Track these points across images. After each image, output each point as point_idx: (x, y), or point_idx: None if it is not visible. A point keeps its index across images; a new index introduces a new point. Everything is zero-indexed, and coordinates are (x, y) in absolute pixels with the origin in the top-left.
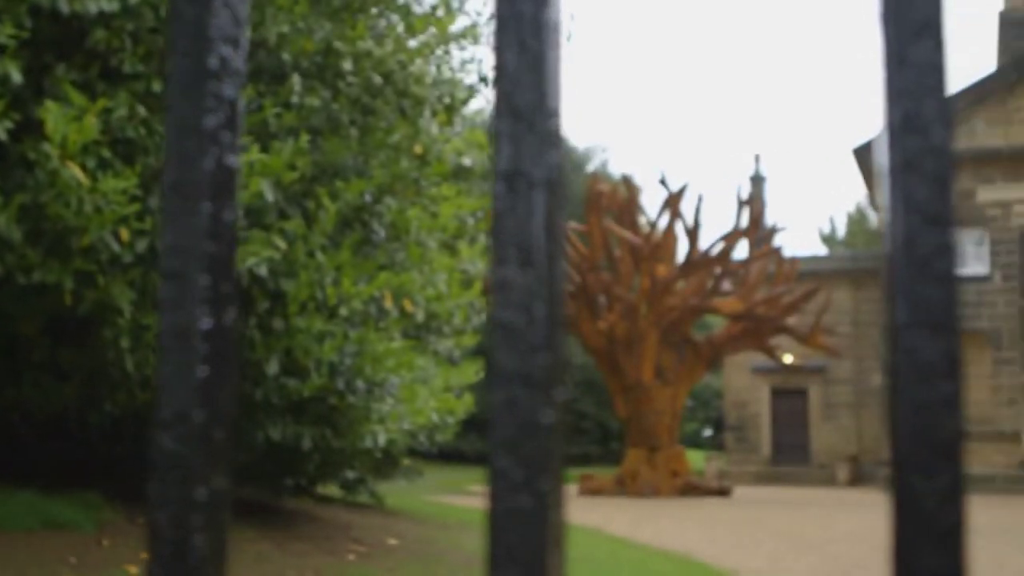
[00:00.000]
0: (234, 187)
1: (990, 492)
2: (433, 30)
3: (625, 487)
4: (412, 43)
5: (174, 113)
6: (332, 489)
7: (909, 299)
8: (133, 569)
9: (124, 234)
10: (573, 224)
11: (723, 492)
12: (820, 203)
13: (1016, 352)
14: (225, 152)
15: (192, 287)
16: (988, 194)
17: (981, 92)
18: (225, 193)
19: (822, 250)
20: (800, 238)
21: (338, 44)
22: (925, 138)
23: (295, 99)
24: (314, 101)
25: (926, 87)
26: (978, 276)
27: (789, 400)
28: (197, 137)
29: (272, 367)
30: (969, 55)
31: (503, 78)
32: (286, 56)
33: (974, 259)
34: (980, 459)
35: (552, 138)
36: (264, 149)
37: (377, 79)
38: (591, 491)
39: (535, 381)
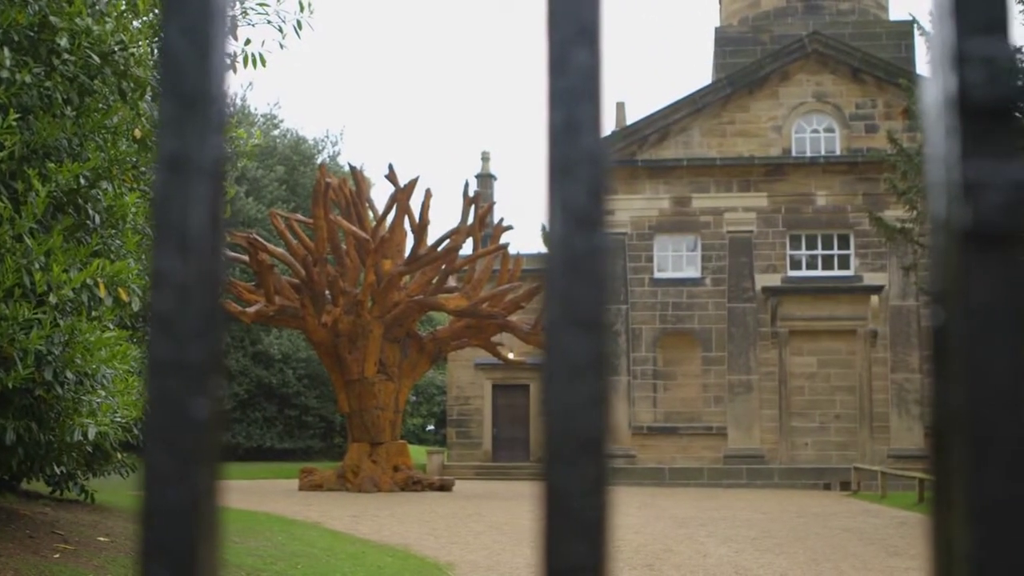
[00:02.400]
0: None
1: (697, 485)
2: (158, 11)
3: (347, 482)
4: (136, 24)
5: None
6: (38, 485)
7: (562, 298)
8: None
9: None
10: (299, 216)
11: (444, 486)
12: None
13: (723, 352)
14: None
15: None
16: (702, 202)
17: (697, 104)
18: None
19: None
20: (526, 237)
21: (54, 19)
22: (581, 143)
23: (5, 74)
24: (26, 77)
25: (583, 93)
26: (691, 279)
27: (510, 395)
28: None
29: None
30: (690, 67)
31: (168, 62)
32: None
33: (687, 263)
34: (689, 454)
35: (217, 124)
36: None
37: (95, 58)
38: (312, 485)
39: (190, 372)
